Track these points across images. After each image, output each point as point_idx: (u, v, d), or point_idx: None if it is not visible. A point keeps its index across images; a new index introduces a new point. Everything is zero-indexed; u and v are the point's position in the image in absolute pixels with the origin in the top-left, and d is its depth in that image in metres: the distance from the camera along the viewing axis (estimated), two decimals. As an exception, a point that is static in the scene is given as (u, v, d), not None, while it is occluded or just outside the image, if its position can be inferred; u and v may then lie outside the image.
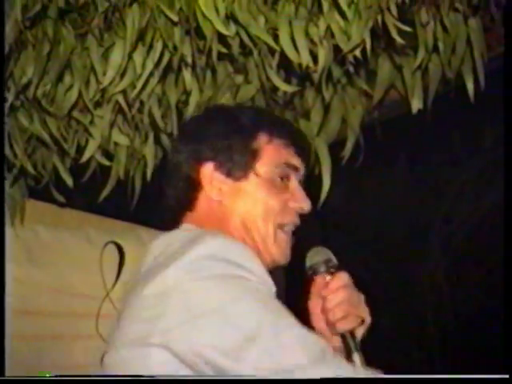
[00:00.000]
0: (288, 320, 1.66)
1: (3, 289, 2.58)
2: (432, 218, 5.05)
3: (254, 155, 1.89)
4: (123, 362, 1.68)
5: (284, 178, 1.90)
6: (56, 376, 1.70)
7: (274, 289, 1.74)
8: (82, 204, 3.38)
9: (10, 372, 2.96)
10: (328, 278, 1.85)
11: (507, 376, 1.73)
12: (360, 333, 1.87)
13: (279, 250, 1.87)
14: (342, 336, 1.85)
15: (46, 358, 3.11)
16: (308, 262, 1.88)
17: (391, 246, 4.92)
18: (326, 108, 2.99)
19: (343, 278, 1.84)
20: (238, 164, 1.87)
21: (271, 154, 1.89)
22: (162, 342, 1.63)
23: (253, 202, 1.85)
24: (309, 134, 3.00)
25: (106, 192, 3.06)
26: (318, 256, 1.88)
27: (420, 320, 5.33)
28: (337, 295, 1.81)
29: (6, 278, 3.15)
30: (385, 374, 1.75)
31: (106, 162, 3.01)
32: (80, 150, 2.97)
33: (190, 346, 1.61)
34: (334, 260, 1.89)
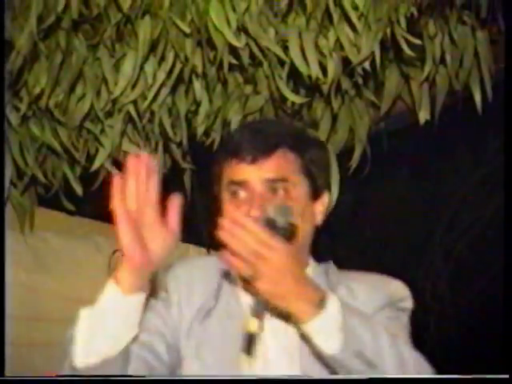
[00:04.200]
0: None
1: (3, 293, 2.61)
2: (435, 228, 5.09)
3: (213, 180, 1.95)
4: None
5: (236, 192, 1.89)
6: (56, 376, 1.74)
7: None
8: (91, 212, 3.40)
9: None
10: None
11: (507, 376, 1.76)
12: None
13: None
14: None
15: (53, 364, 3.13)
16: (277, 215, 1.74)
17: (395, 255, 4.95)
18: (334, 118, 3.01)
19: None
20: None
21: (218, 176, 1.93)
22: None
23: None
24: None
25: (115, 200, 3.08)
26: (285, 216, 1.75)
27: (423, 328, 5.35)
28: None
29: (15, 285, 3.19)
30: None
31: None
32: (90, 158, 3.00)
33: None
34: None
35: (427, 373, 1.70)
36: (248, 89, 2.91)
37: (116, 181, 1.68)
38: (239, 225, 1.63)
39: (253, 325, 1.67)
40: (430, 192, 4.70)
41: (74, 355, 1.69)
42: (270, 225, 1.70)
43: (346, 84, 2.79)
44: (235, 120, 2.93)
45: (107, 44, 2.69)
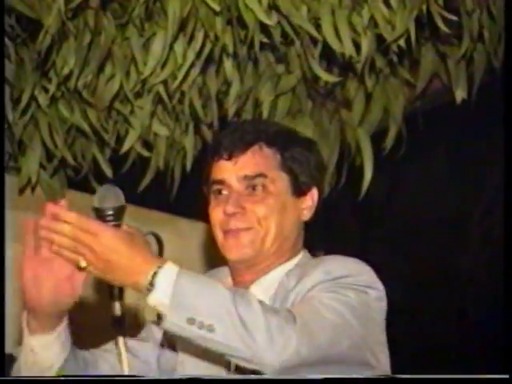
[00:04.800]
0: None
1: (3, 288, 2.58)
2: (472, 210, 5.01)
3: (203, 182, 1.98)
4: None
5: (218, 191, 1.94)
6: (56, 376, 1.76)
7: None
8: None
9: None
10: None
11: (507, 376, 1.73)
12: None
13: (231, 252, 1.92)
14: None
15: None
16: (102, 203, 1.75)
17: (431, 238, 4.88)
18: (368, 98, 2.96)
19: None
20: None
21: (205, 177, 1.97)
22: None
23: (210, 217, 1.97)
24: (350, 125, 2.98)
25: (145, 183, 3.06)
26: (112, 201, 1.75)
27: (459, 313, 5.28)
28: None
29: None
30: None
31: (146, 153, 3.01)
32: (120, 140, 2.97)
33: None
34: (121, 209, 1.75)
35: (281, 331, 1.67)
36: (280, 68, 2.87)
37: (28, 224, 1.71)
38: (58, 219, 1.67)
39: (116, 308, 1.73)
40: (468, 172, 4.62)
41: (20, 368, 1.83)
42: (98, 214, 1.73)
43: (380, 62, 2.74)
44: (267, 100, 2.89)
45: (136, 23, 2.65)
